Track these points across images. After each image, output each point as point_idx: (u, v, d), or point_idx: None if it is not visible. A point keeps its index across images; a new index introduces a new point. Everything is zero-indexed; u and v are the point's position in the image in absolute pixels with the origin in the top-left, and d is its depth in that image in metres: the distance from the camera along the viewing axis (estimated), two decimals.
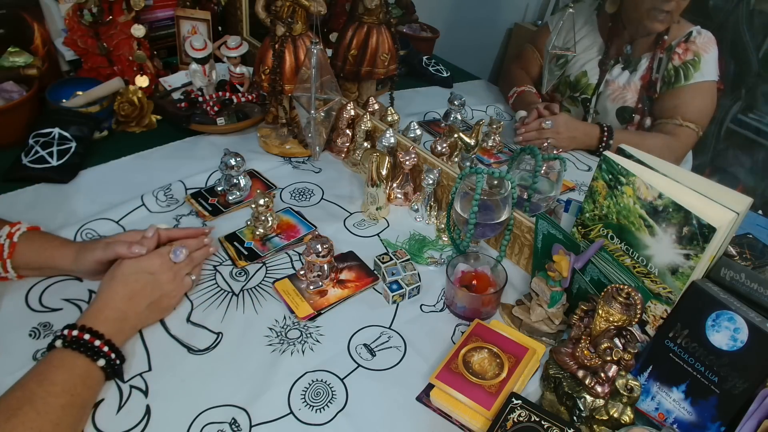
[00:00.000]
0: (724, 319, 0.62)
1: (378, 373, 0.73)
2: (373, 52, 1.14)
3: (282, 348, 0.74)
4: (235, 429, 0.64)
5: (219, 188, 1.00)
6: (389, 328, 0.80)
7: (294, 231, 0.94)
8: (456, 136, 1.12)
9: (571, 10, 1.27)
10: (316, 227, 0.95)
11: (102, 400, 0.65)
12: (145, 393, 0.67)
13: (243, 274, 0.85)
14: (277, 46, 1.02)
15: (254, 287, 0.83)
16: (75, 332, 0.64)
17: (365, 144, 1.12)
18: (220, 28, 1.44)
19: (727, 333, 0.62)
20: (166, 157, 1.10)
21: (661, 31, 1.25)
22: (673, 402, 0.69)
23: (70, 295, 0.77)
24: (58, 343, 0.64)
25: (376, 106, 1.17)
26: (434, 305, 0.84)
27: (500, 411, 0.64)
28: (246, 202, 0.99)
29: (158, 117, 1.19)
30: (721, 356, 0.63)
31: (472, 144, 1.14)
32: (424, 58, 1.58)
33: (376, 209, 0.98)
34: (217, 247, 0.88)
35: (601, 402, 0.65)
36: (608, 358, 0.64)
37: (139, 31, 1.20)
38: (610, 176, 0.71)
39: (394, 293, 0.82)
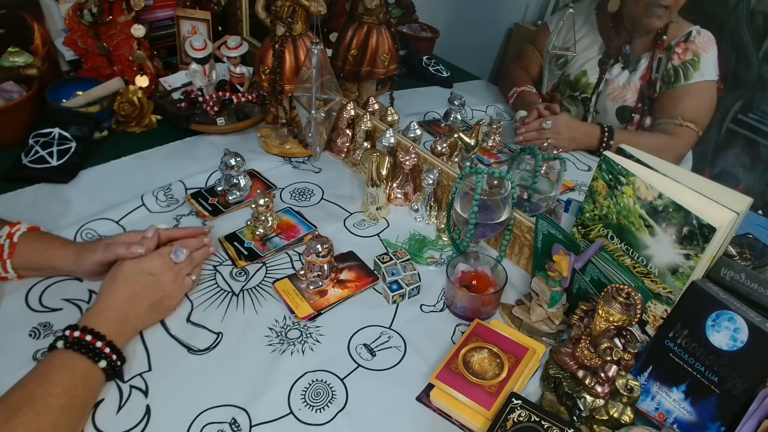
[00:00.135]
0: (724, 319, 0.62)
1: (378, 373, 0.73)
2: (373, 52, 1.14)
3: (282, 348, 0.74)
4: (235, 429, 0.64)
5: (219, 188, 1.00)
6: (389, 328, 0.80)
7: (294, 231, 0.94)
8: (456, 136, 1.12)
9: (571, 10, 1.27)
10: (316, 227, 0.95)
11: (102, 400, 0.65)
12: (145, 393, 0.67)
13: (243, 274, 0.85)
14: (277, 46, 1.02)
15: (254, 287, 0.83)
16: (77, 333, 0.64)
17: (365, 144, 1.12)
18: (220, 28, 1.44)
19: (727, 333, 0.62)
20: (166, 157, 1.10)
21: (659, 27, 1.25)
22: (673, 402, 0.69)
23: (70, 295, 0.77)
24: (60, 343, 0.63)
25: (376, 106, 1.17)
26: (434, 305, 0.84)
27: (500, 411, 0.64)
28: (246, 202, 0.99)
29: (158, 117, 1.19)
30: (721, 356, 0.63)
31: (472, 144, 1.14)
32: (424, 58, 1.58)
33: (376, 209, 0.98)
34: (217, 247, 0.88)
35: (601, 402, 0.65)
36: (608, 358, 0.64)
37: (139, 31, 1.20)
38: (610, 176, 0.71)
39: (394, 293, 0.82)
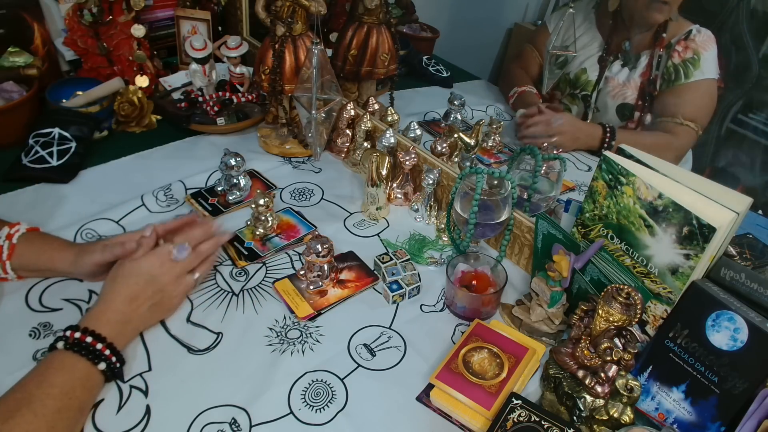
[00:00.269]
0: (724, 319, 0.62)
1: (378, 373, 0.73)
2: (373, 52, 1.14)
3: (282, 348, 0.74)
4: (235, 429, 0.64)
5: (219, 188, 1.00)
6: (389, 328, 0.80)
7: (294, 231, 0.94)
8: (456, 136, 1.12)
9: (571, 10, 1.27)
10: (316, 227, 0.95)
11: (102, 400, 0.65)
12: (145, 393, 0.67)
13: (243, 274, 0.85)
14: (277, 46, 1.02)
15: (254, 287, 0.83)
16: (77, 334, 0.64)
17: (365, 144, 1.12)
18: (220, 28, 1.44)
19: (727, 333, 0.62)
20: (166, 157, 1.10)
21: (660, 22, 1.25)
22: (673, 402, 0.69)
23: (70, 296, 0.77)
24: (60, 344, 0.63)
25: (376, 106, 1.17)
26: (434, 305, 0.84)
27: (500, 411, 0.64)
28: (246, 202, 0.99)
29: (158, 117, 1.19)
30: (721, 356, 0.63)
31: (472, 144, 1.14)
32: (424, 58, 1.58)
33: (376, 209, 0.98)
34: (230, 234, 0.87)
35: (601, 402, 0.65)
36: (608, 358, 0.64)
37: (139, 31, 1.20)
38: (610, 176, 0.71)
39: (394, 293, 0.82)
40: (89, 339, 0.64)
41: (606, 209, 0.74)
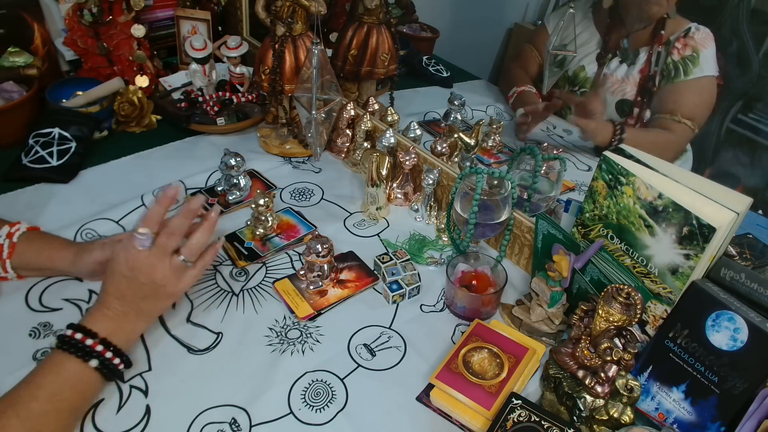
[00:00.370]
0: (724, 319, 0.62)
1: (378, 373, 0.73)
2: (373, 52, 1.14)
3: (282, 348, 0.74)
4: (235, 429, 0.64)
5: (219, 188, 1.00)
6: (389, 328, 0.80)
7: (294, 231, 0.94)
8: (456, 136, 1.12)
9: (571, 10, 1.27)
10: (316, 227, 0.95)
11: (102, 400, 0.65)
12: (145, 393, 0.67)
13: (243, 274, 0.85)
14: (277, 46, 1.02)
15: (254, 287, 0.83)
16: (69, 332, 0.62)
17: (365, 144, 1.12)
18: (220, 28, 1.44)
19: (727, 333, 0.62)
20: (166, 157, 1.10)
21: (657, 16, 1.26)
22: (673, 402, 0.69)
23: (70, 295, 0.77)
24: (54, 343, 0.62)
25: (376, 106, 1.17)
26: (434, 305, 0.84)
27: (500, 411, 0.64)
28: (246, 202, 0.99)
29: (158, 117, 1.19)
30: (721, 356, 0.63)
31: (472, 144, 1.14)
32: (424, 58, 1.58)
33: (376, 209, 0.98)
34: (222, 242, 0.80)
35: (601, 402, 0.65)
36: (608, 358, 0.64)
37: (139, 31, 1.20)
38: (610, 176, 0.71)
39: (394, 293, 0.82)
40: (78, 335, 0.61)
41: (606, 209, 0.74)
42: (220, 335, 0.75)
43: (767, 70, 1.49)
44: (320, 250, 0.79)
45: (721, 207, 0.64)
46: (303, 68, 0.99)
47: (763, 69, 1.50)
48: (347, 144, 1.15)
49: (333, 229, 0.96)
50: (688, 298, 0.66)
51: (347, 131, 1.15)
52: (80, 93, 1.14)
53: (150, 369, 0.70)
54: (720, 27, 1.46)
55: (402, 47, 1.36)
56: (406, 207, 1.04)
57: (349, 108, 1.12)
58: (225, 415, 0.65)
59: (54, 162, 0.99)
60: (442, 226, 0.97)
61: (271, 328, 0.77)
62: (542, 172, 0.93)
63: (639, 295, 0.62)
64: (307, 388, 0.70)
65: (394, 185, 1.03)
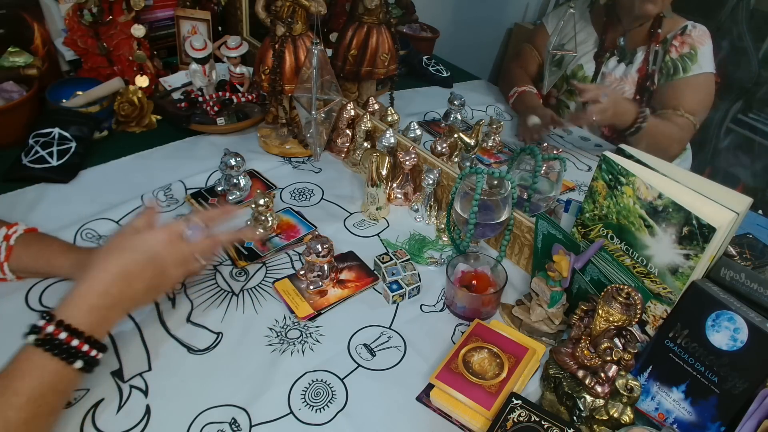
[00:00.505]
0: (724, 319, 0.62)
1: (378, 373, 0.73)
2: (373, 52, 1.14)
3: (282, 348, 0.74)
4: (235, 429, 0.64)
5: (219, 188, 1.00)
6: (389, 328, 0.80)
7: (294, 231, 0.94)
8: (456, 136, 1.12)
9: (571, 10, 1.27)
10: (316, 227, 0.95)
11: (102, 399, 0.65)
12: (145, 393, 0.67)
13: (243, 274, 0.85)
14: (277, 46, 1.02)
15: (254, 287, 0.83)
16: (50, 328, 0.55)
17: (365, 144, 1.12)
18: (220, 28, 1.44)
19: (727, 333, 0.62)
20: (166, 157, 1.10)
21: (653, 14, 1.26)
22: (673, 402, 0.69)
23: None
24: (31, 338, 0.54)
25: (376, 106, 1.17)
26: (434, 305, 0.84)
27: (500, 411, 0.64)
28: (246, 202, 0.99)
29: (158, 117, 1.19)
30: (721, 356, 0.63)
31: (472, 144, 1.14)
32: (424, 58, 1.58)
33: (376, 209, 0.98)
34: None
35: (601, 402, 0.65)
36: (608, 358, 0.64)
37: (139, 31, 1.20)
38: (610, 176, 0.71)
39: (394, 293, 0.82)
40: (63, 335, 0.55)
41: (606, 209, 0.74)
42: (220, 335, 0.75)
43: (767, 70, 1.49)
44: (320, 250, 0.79)
45: (721, 207, 0.64)
46: (303, 68, 0.99)
47: (763, 69, 1.50)
48: (347, 144, 1.15)
49: (333, 229, 0.96)
50: (688, 298, 0.66)
51: (347, 131, 1.15)
52: (80, 93, 1.14)
53: (150, 369, 0.70)
54: (720, 27, 1.46)
55: (402, 47, 1.36)
56: (406, 207, 1.04)
57: (349, 108, 1.12)
58: (225, 415, 0.65)
59: (54, 162, 0.99)
60: (442, 226, 0.97)
61: (271, 328, 0.77)
62: (542, 172, 0.93)
63: (639, 295, 0.62)
64: (307, 388, 0.70)
65: (394, 185, 1.03)
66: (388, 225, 0.99)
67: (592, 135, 1.41)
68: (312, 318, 0.79)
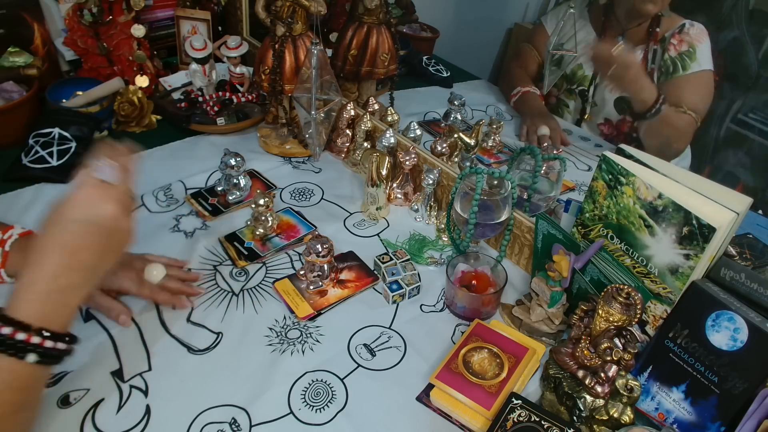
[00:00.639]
0: (724, 319, 0.62)
1: (378, 373, 0.73)
2: (373, 52, 1.14)
3: (282, 348, 0.74)
4: (235, 429, 0.64)
5: (219, 188, 1.00)
6: (389, 328, 0.80)
7: (294, 231, 0.94)
8: (456, 136, 1.12)
9: (572, 10, 1.27)
10: (316, 227, 0.95)
11: (102, 399, 0.65)
12: (145, 393, 0.67)
13: (243, 274, 0.85)
14: (277, 46, 1.02)
15: (254, 287, 0.83)
16: None
17: (365, 144, 1.12)
18: (220, 28, 1.44)
19: (727, 333, 0.62)
20: (166, 157, 1.10)
21: (652, 13, 1.26)
22: (673, 402, 0.69)
23: None
24: None
25: (376, 106, 1.17)
26: (434, 305, 0.84)
27: (500, 411, 0.64)
28: (246, 202, 0.99)
29: (158, 117, 1.19)
30: (721, 356, 0.63)
31: (472, 144, 1.14)
32: (424, 58, 1.58)
33: (376, 209, 0.98)
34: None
35: (601, 402, 0.65)
36: (608, 358, 0.64)
37: (139, 31, 1.20)
38: (610, 176, 0.71)
39: (394, 293, 0.82)
40: (6, 330, 0.51)
41: (606, 209, 0.74)
42: (220, 335, 0.75)
43: (767, 70, 1.49)
44: (320, 250, 0.79)
45: (721, 207, 0.64)
46: (303, 68, 0.99)
47: (763, 69, 1.50)
48: (347, 144, 1.15)
49: (333, 229, 0.96)
50: (688, 298, 0.66)
51: (347, 131, 1.15)
52: (80, 93, 1.14)
53: (150, 369, 0.70)
54: (719, 27, 1.46)
55: (402, 47, 1.36)
56: (406, 207, 1.04)
57: (349, 108, 1.12)
58: (225, 415, 0.65)
59: (54, 162, 0.99)
60: (442, 226, 0.97)
61: (271, 328, 0.77)
62: (542, 172, 0.93)
63: (639, 295, 0.62)
64: (307, 388, 0.70)
65: (394, 185, 1.03)
66: (388, 225, 0.99)
67: (592, 135, 1.41)
68: (312, 318, 0.79)
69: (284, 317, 0.79)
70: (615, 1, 1.33)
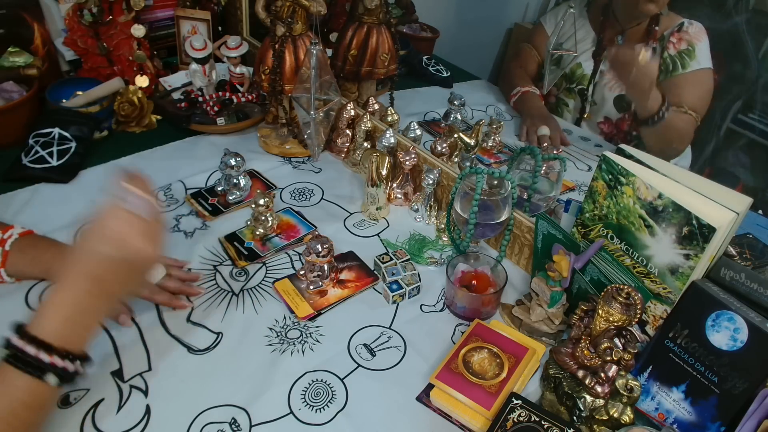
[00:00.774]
0: (724, 319, 0.62)
1: (378, 373, 0.73)
2: (373, 52, 1.14)
3: (282, 348, 0.74)
4: (235, 429, 0.64)
5: (219, 188, 1.00)
6: (389, 328, 0.80)
7: (294, 231, 0.94)
8: (456, 136, 1.12)
9: (572, 10, 1.28)
10: (316, 227, 0.95)
11: (102, 399, 0.65)
12: (145, 393, 0.67)
13: (243, 274, 0.85)
14: (277, 46, 1.02)
15: (254, 287, 0.83)
16: (19, 342, 0.52)
17: (365, 144, 1.12)
18: (220, 28, 1.44)
19: (727, 333, 0.62)
20: (166, 157, 1.10)
21: (653, 12, 1.26)
22: (673, 402, 0.69)
23: None
24: (2, 352, 0.52)
25: (376, 106, 1.17)
26: (434, 305, 0.84)
27: (500, 411, 0.64)
28: (246, 202, 0.99)
29: (158, 117, 1.19)
30: (721, 356, 0.63)
31: (472, 144, 1.14)
32: (424, 58, 1.58)
33: (376, 209, 0.98)
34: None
35: (601, 402, 0.65)
36: (608, 358, 0.64)
37: (139, 31, 1.20)
38: (610, 176, 0.71)
39: (394, 293, 0.82)
40: (32, 350, 0.52)
41: (606, 209, 0.74)
42: (220, 335, 0.75)
43: (767, 69, 1.49)
44: (320, 250, 0.79)
45: (721, 207, 0.64)
46: (302, 68, 0.99)
47: (763, 69, 1.50)
48: (347, 144, 1.15)
49: (333, 229, 0.96)
50: (688, 298, 0.66)
51: (347, 131, 1.15)
52: (80, 93, 1.14)
53: (150, 369, 0.70)
54: (719, 26, 1.46)
55: (402, 47, 1.36)
56: (406, 207, 1.04)
57: (349, 108, 1.12)
58: (225, 415, 0.65)
59: (54, 162, 0.99)
60: (442, 226, 0.97)
61: (271, 328, 0.77)
62: (542, 172, 0.93)
63: (639, 295, 0.62)
64: (307, 388, 0.70)
65: (394, 185, 1.03)
66: (388, 225, 0.99)
67: (592, 135, 1.41)
68: (312, 318, 0.79)
69: (284, 317, 0.79)
70: (614, 1, 1.33)
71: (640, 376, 0.72)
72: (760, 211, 0.98)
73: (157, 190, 0.99)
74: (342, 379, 0.71)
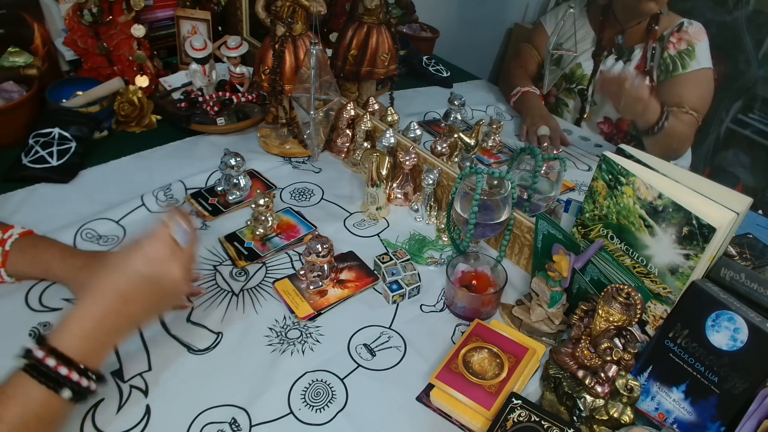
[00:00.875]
0: (724, 319, 0.62)
1: (378, 373, 0.73)
2: (373, 52, 1.14)
3: (282, 348, 0.74)
4: (235, 429, 0.64)
5: (219, 188, 1.00)
6: (389, 328, 0.80)
7: (294, 231, 0.94)
8: (456, 136, 1.12)
9: (571, 10, 1.28)
10: (316, 227, 0.95)
11: (102, 399, 0.65)
12: (145, 393, 0.67)
13: (243, 274, 0.85)
14: (277, 46, 1.02)
15: (254, 287, 0.83)
16: (39, 353, 0.52)
17: (365, 144, 1.12)
18: (220, 28, 1.44)
19: (727, 333, 0.62)
20: (166, 157, 1.10)
21: (654, 12, 1.27)
22: (673, 402, 0.69)
23: (70, 295, 0.77)
24: (21, 362, 0.52)
25: (376, 106, 1.17)
26: (434, 305, 0.84)
27: (500, 411, 0.64)
28: (246, 202, 0.99)
29: (158, 117, 1.19)
30: (721, 356, 0.63)
31: (472, 144, 1.14)
32: (424, 58, 1.58)
33: (376, 209, 0.98)
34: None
35: (601, 402, 0.65)
36: (608, 358, 0.64)
37: (139, 31, 1.20)
38: (610, 176, 0.71)
39: (394, 293, 0.82)
40: (52, 362, 0.52)
41: (606, 209, 0.74)
42: (220, 335, 0.75)
43: (767, 69, 1.49)
44: (320, 250, 0.79)
45: (721, 207, 0.64)
46: (302, 68, 0.99)
47: (763, 69, 1.50)
48: (347, 144, 1.15)
49: (333, 229, 0.96)
50: (688, 298, 0.66)
51: (347, 131, 1.15)
52: (80, 93, 1.14)
53: (150, 369, 0.70)
54: (719, 27, 1.46)
55: (402, 47, 1.36)
56: (406, 207, 1.04)
57: (349, 108, 1.12)
58: (225, 415, 0.65)
59: (54, 162, 0.99)
60: (442, 226, 0.97)
61: (271, 328, 0.77)
62: (542, 172, 0.93)
63: (639, 295, 0.62)
64: (307, 388, 0.70)
65: (394, 185, 1.03)
66: (388, 225, 0.99)
67: (592, 135, 1.41)
68: (312, 318, 0.79)
69: (284, 317, 0.79)
70: (614, 1, 1.33)
71: (640, 376, 0.72)
72: (760, 211, 0.98)
73: (156, 190, 0.99)
74: (342, 379, 0.71)
